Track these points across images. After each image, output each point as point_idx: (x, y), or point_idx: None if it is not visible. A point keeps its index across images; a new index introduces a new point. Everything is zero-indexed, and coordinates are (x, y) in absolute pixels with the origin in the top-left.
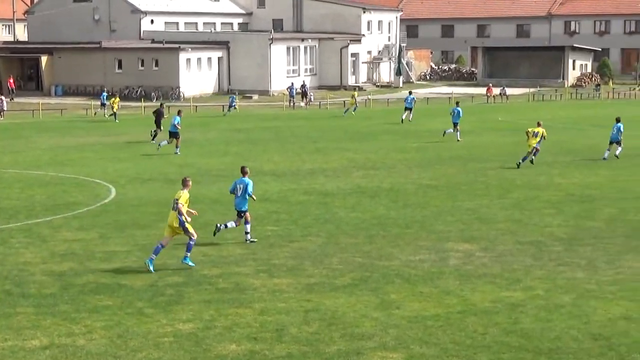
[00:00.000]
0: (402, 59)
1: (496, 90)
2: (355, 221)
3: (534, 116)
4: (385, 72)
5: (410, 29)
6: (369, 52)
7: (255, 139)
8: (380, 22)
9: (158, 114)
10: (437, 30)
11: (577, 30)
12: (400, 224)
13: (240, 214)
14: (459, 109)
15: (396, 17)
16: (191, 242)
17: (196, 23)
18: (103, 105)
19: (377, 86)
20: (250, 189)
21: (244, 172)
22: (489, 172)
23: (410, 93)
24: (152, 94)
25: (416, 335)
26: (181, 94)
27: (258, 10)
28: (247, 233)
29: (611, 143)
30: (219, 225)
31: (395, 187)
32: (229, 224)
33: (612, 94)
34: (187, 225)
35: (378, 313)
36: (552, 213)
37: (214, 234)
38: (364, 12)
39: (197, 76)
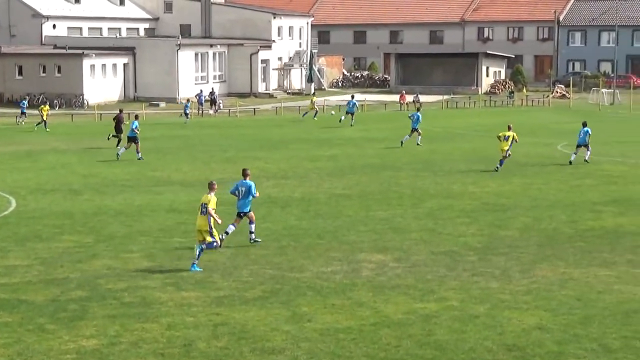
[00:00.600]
0: (313, 66)
1: (409, 98)
2: (265, 232)
3: (447, 124)
4: (297, 79)
5: (322, 34)
6: (280, 59)
7: (162, 147)
8: (291, 28)
9: (118, 120)
10: (349, 36)
11: (490, 37)
12: (312, 234)
13: (241, 214)
14: (419, 114)
15: (307, 23)
16: (204, 247)
17: (100, 28)
18: (23, 113)
19: (288, 93)
20: (254, 190)
21: (245, 175)
22: (402, 181)
23: (352, 97)
24: (55, 101)
25: (328, 348)
26: (85, 102)
27: (165, 15)
28: (251, 232)
29: (579, 146)
30: (221, 237)
31: (307, 196)
32: (229, 230)
33: (526, 101)
34: (214, 230)
35: (289, 326)
36: (466, 222)
37: (220, 245)
38: (274, 17)
39: (101, 83)
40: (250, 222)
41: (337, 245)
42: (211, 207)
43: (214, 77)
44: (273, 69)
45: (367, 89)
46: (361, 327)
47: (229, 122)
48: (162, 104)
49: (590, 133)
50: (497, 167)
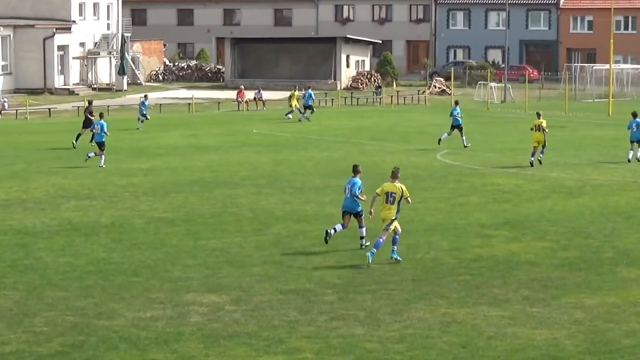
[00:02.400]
0: (126, 54)
1: (250, 94)
2: (65, 268)
3: (298, 127)
4: (105, 70)
5: (137, 14)
6: (83, 45)
7: None
8: (96, 5)
9: (89, 113)
10: (172, 16)
11: (351, 17)
12: (126, 270)
13: (354, 215)
14: (458, 108)
15: None
16: (397, 237)
17: None
18: None
19: (94, 89)
20: (355, 189)
21: (355, 172)
22: (241, 200)
23: (308, 87)
24: None
25: None
26: None
27: None
28: (361, 238)
29: (632, 142)
30: (328, 230)
31: (118, 221)
32: (337, 227)
33: (397, 98)
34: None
35: None
36: (322, 252)
37: (326, 241)
38: None
39: None
40: (360, 226)
41: (158, 283)
42: (407, 194)
43: None
44: (74, 58)
45: (196, 83)
46: None
47: (17, 126)
48: None
49: None
50: (539, 159)
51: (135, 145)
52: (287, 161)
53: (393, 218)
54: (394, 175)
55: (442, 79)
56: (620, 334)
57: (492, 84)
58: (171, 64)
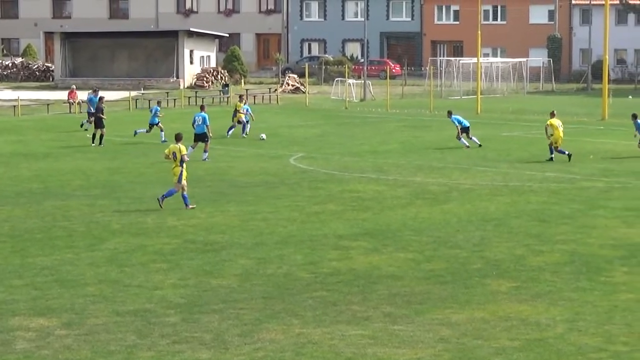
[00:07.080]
0: None
1: (83, 95)
2: None
3: (132, 130)
4: None
5: None
6: None
7: None
8: None
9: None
10: None
11: (194, 9)
12: None
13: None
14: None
15: None
16: None
17: None
18: None
19: None
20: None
21: None
22: (73, 212)
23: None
24: None
25: None
26: None
27: None
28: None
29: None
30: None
31: None
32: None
33: (246, 97)
34: None
35: None
36: (163, 269)
37: None
38: None
39: None
40: None
41: None
42: None
43: None
44: None
45: (22, 83)
46: None
47: None
48: None
49: None
50: (569, 155)
51: None
52: (124, 169)
53: None
54: None
55: (295, 76)
56: (490, 352)
57: (351, 81)
58: None
